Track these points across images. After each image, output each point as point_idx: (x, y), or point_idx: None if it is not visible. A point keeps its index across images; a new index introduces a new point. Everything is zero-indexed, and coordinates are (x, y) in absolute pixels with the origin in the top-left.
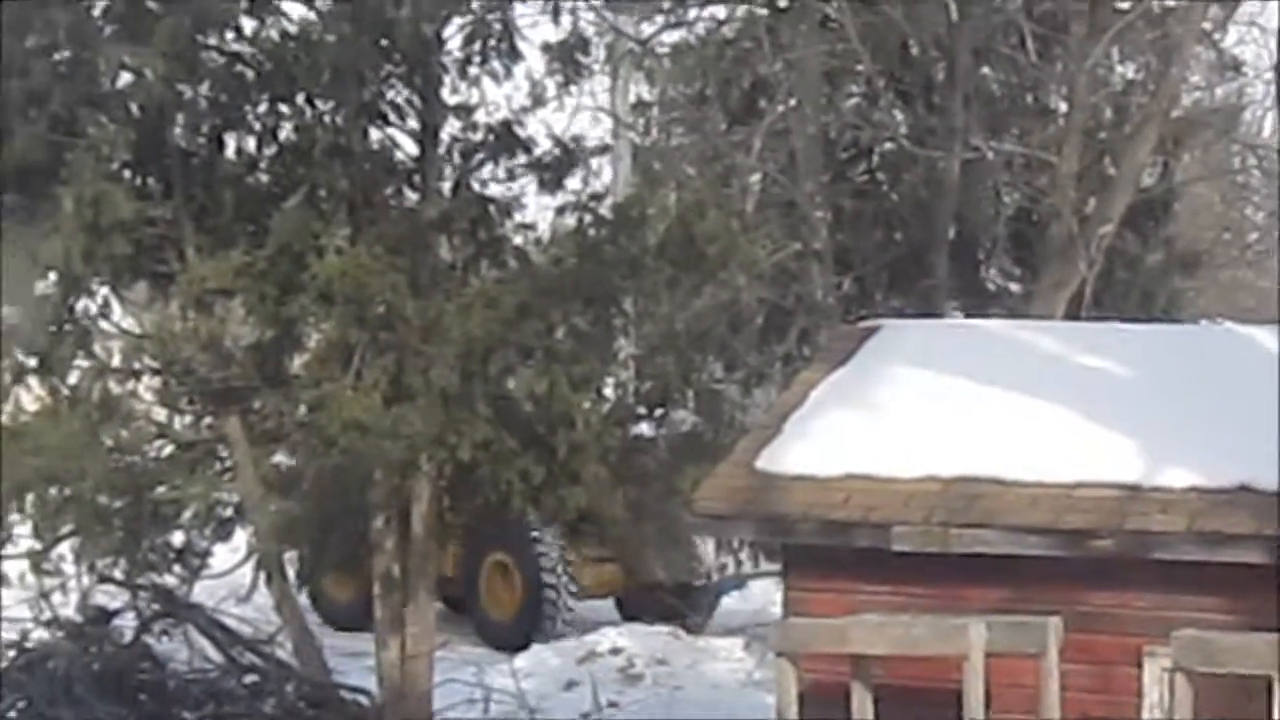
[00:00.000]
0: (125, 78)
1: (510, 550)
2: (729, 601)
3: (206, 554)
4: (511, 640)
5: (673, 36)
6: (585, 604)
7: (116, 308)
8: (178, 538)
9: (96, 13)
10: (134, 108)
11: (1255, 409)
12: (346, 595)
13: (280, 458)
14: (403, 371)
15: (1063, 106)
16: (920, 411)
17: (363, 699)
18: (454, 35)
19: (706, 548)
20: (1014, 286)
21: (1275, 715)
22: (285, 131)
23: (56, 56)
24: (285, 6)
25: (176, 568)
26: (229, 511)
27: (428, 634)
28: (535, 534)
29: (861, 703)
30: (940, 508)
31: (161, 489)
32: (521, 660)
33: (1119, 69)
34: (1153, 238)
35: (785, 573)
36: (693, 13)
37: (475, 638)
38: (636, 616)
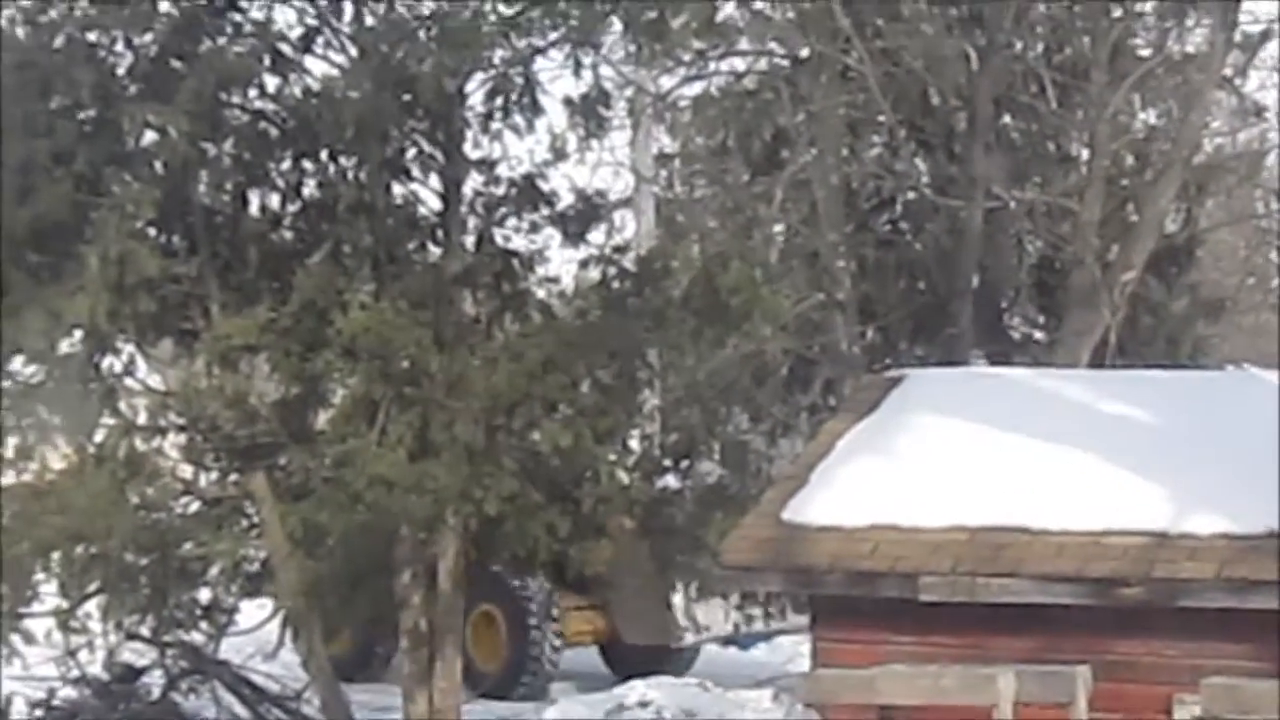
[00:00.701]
0: (149, 136)
1: (495, 600)
2: (757, 653)
3: (233, 610)
4: (499, 689)
5: (693, 89)
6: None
7: (142, 365)
8: (204, 594)
9: (120, 72)
10: (158, 166)
11: None
12: (337, 647)
13: (306, 514)
14: (427, 426)
15: (1084, 154)
16: (946, 461)
17: None
18: (476, 90)
19: (683, 610)
20: (1038, 334)
21: None
22: (309, 188)
23: (81, 115)
24: (308, 63)
25: (203, 624)
26: (255, 567)
27: (454, 688)
28: (519, 583)
29: None
30: (967, 557)
31: (188, 546)
32: (551, 712)
33: (1140, 115)
34: (1176, 284)
35: (813, 624)
36: (712, 65)
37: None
38: (615, 666)
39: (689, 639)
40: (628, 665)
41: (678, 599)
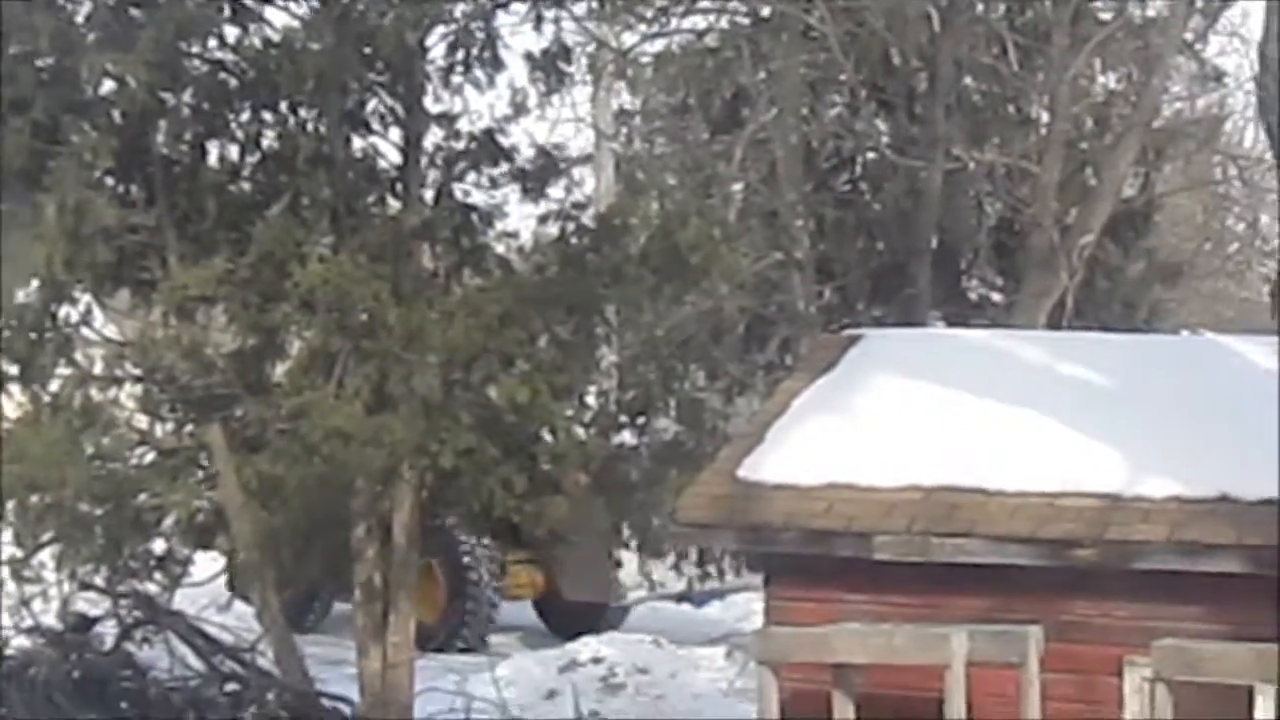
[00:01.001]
0: (108, 85)
1: (435, 553)
2: (710, 611)
3: (188, 562)
4: (436, 642)
5: (655, 46)
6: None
7: (98, 315)
8: (159, 545)
9: (79, 20)
10: (117, 115)
11: (1236, 419)
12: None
13: (262, 465)
14: (385, 379)
15: (1044, 116)
16: (902, 421)
17: (344, 707)
18: (437, 44)
19: (637, 568)
20: (996, 296)
21: None
22: (268, 139)
23: (39, 63)
24: (268, 14)
25: (158, 575)
26: (210, 519)
27: (408, 642)
28: (460, 537)
29: (843, 712)
30: (922, 517)
31: (143, 496)
32: (503, 668)
33: (1100, 79)
34: (1134, 248)
35: (767, 582)
36: (674, 23)
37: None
38: (549, 621)
39: (631, 597)
40: (563, 621)
41: (628, 556)
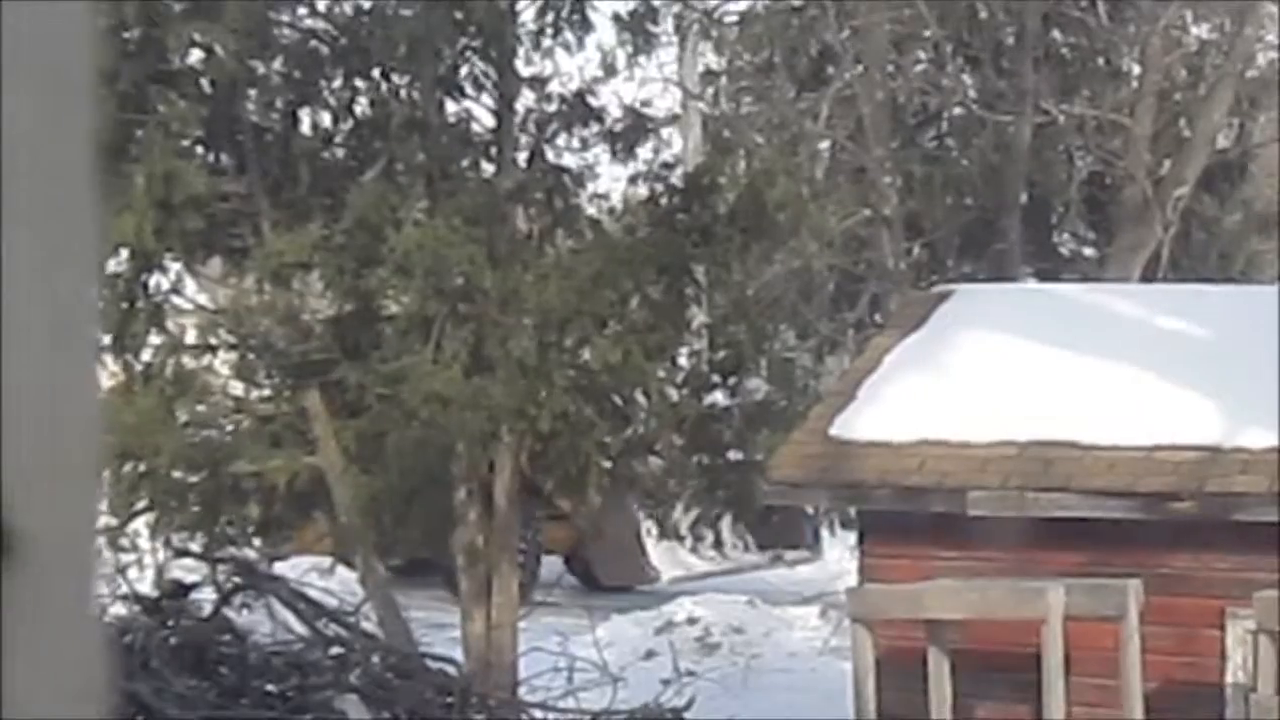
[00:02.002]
0: (195, 54)
1: None
2: (804, 570)
3: (289, 528)
4: None
5: (740, 5)
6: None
7: (190, 284)
8: (258, 512)
9: None
10: (205, 84)
11: None
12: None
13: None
14: (481, 343)
15: (1135, 68)
16: (994, 376)
17: (449, 669)
18: (527, 7)
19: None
20: (1088, 251)
21: None
22: (361, 106)
23: (125, 35)
24: None
25: (257, 541)
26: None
27: (511, 604)
28: None
29: (938, 668)
30: (1016, 472)
31: (240, 463)
32: (602, 630)
33: (1192, 29)
34: (1230, 199)
35: (860, 539)
36: None
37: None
38: (581, 577)
39: (664, 578)
40: (594, 578)
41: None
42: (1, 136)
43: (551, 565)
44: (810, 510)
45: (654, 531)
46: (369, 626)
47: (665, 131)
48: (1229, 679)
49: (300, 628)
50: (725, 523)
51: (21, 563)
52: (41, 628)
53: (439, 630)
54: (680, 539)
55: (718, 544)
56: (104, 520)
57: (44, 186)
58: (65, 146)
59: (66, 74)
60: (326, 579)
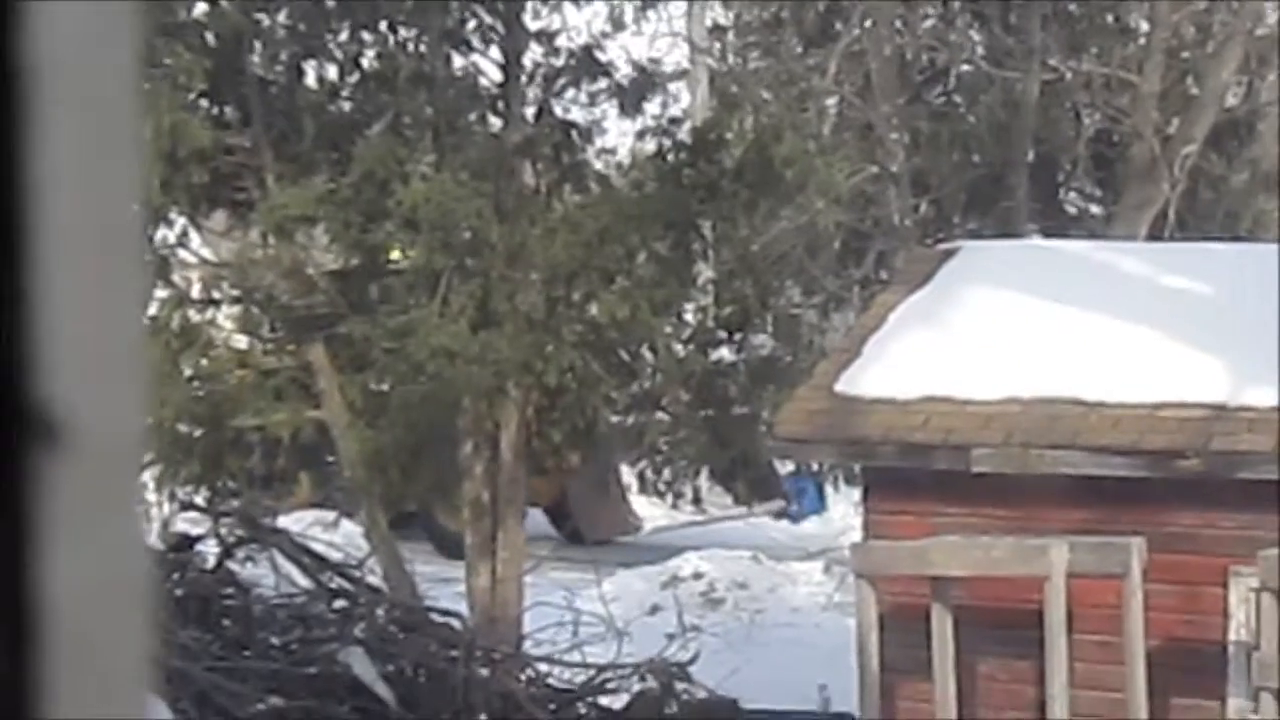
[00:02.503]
0: (200, 7)
1: None
2: (808, 526)
3: (293, 480)
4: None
5: None
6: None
7: (195, 237)
8: (262, 465)
9: None
10: (210, 37)
11: None
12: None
13: (367, 384)
14: (489, 297)
15: (1144, 25)
16: (1000, 333)
17: (454, 623)
18: None
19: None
20: (1094, 208)
21: None
22: (367, 59)
23: None
24: None
25: (261, 494)
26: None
27: (517, 559)
28: None
29: (941, 624)
30: (1020, 429)
31: (244, 416)
32: (608, 585)
33: None
34: (1237, 158)
35: (865, 495)
36: None
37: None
38: (560, 527)
39: (648, 527)
40: (578, 531)
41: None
42: (41, 49)
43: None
44: (815, 466)
45: (633, 486)
46: (373, 580)
47: (672, 86)
48: (1232, 637)
49: (304, 581)
50: (703, 477)
51: (69, 454)
52: (89, 520)
53: (444, 584)
54: (660, 494)
55: (696, 500)
56: None
57: (89, 87)
58: (107, 51)
59: None
60: (330, 533)
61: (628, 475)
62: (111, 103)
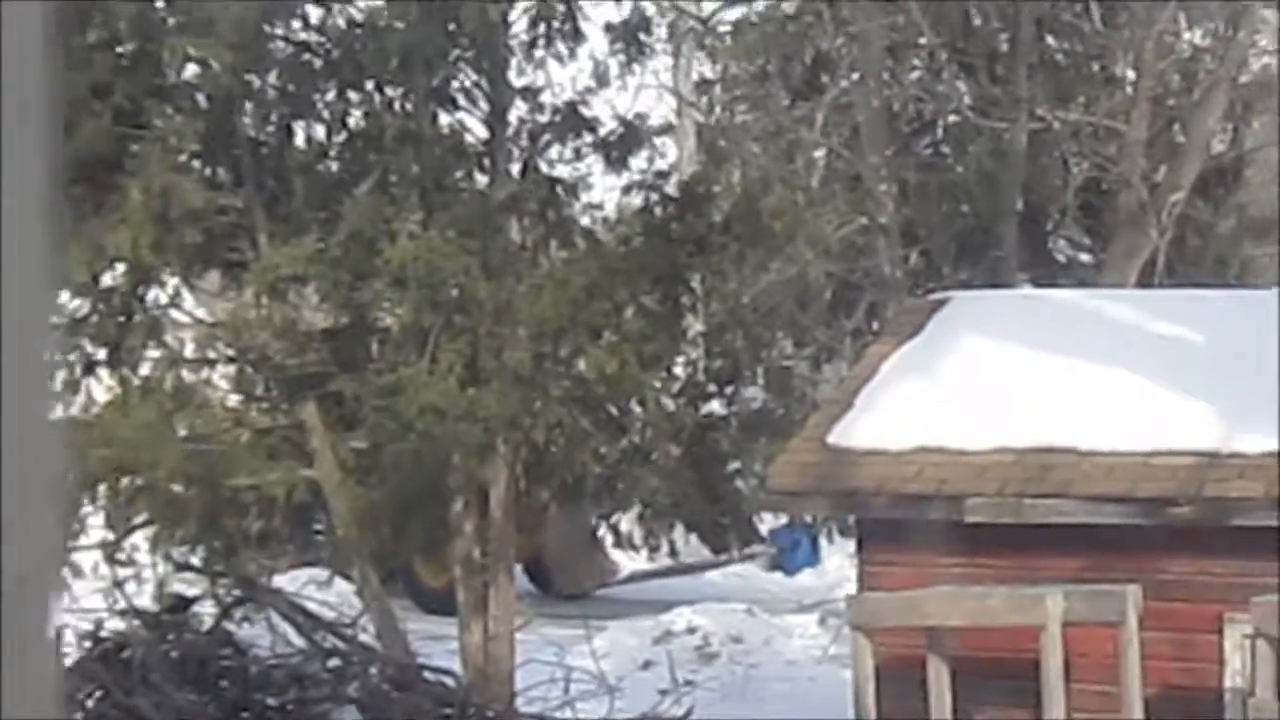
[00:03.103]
0: (191, 69)
1: None
2: (803, 578)
3: (287, 540)
4: (447, 606)
5: (734, 14)
6: (659, 583)
7: (188, 297)
8: (257, 524)
9: (159, 4)
10: (201, 98)
11: None
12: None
13: (358, 442)
14: (477, 354)
15: (1130, 74)
16: (992, 383)
17: (448, 680)
18: (519, 18)
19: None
20: (1084, 257)
21: None
22: (355, 118)
23: (118, 50)
24: None
25: (256, 554)
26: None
27: (509, 615)
28: None
29: (938, 675)
30: (1014, 478)
31: (239, 476)
32: (599, 641)
33: (1186, 34)
34: (1224, 204)
35: (860, 547)
36: None
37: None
38: (540, 584)
39: (626, 573)
40: (553, 585)
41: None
42: None
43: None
44: (809, 518)
45: (609, 540)
46: (367, 638)
47: (659, 141)
48: (1227, 683)
49: (299, 640)
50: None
51: None
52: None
53: (437, 642)
54: (636, 547)
55: (673, 552)
56: (102, 534)
57: None
58: (16, 166)
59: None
60: (324, 591)
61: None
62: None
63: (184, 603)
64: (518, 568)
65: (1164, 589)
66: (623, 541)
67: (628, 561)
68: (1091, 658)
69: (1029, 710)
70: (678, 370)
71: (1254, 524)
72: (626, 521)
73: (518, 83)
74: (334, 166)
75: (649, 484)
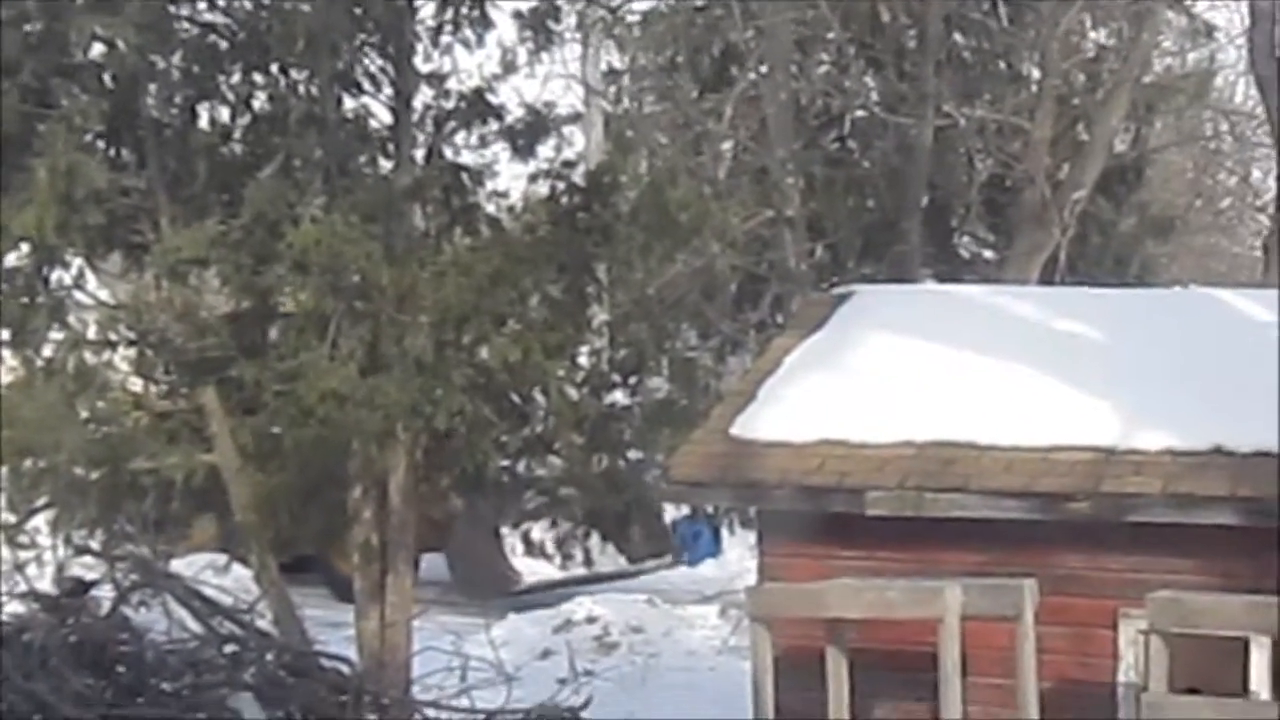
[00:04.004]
0: (97, 49)
1: None
2: (704, 569)
3: (185, 524)
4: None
5: (643, 4)
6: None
7: (91, 278)
8: (157, 508)
9: None
10: (107, 78)
11: (1228, 372)
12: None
13: (258, 427)
14: (378, 341)
15: (1035, 73)
16: (894, 377)
17: (343, 667)
18: (426, 3)
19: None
20: (988, 253)
21: (1250, 676)
22: (259, 101)
23: (27, 28)
24: None
25: (154, 539)
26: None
27: (406, 603)
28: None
29: (837, 667)
30: (915, 472)
31: (139, 460)
32: (498, 629)
33: (1091, 35)
34: (1126, 203)
35: (760, 539)
36: None
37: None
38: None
39: (530, 582)
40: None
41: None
42: None
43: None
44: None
45: (517, 549)
46: (264, 624)
47: (567, 129)
48: (1121, 678)
49: (196, 625)
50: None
51: None
52: None
53: (334, 629)
54: (548, 556)
55: (587, 560)
56: (3, 516)
57: None
58: None
59: None
60: (221, 576)
61: (511, 534)
62: None
63: (83, 586)
64: (439, 556)
65: (1061, 583)
66: (533, 549)
67: (532, 569)
68: (989, 651)
69: (927, 703)
70: (582, 360)
71: (1150, 520)
72: (538, 530)
73: (424, 68)
74: (237, 149)
75: (551, 475)
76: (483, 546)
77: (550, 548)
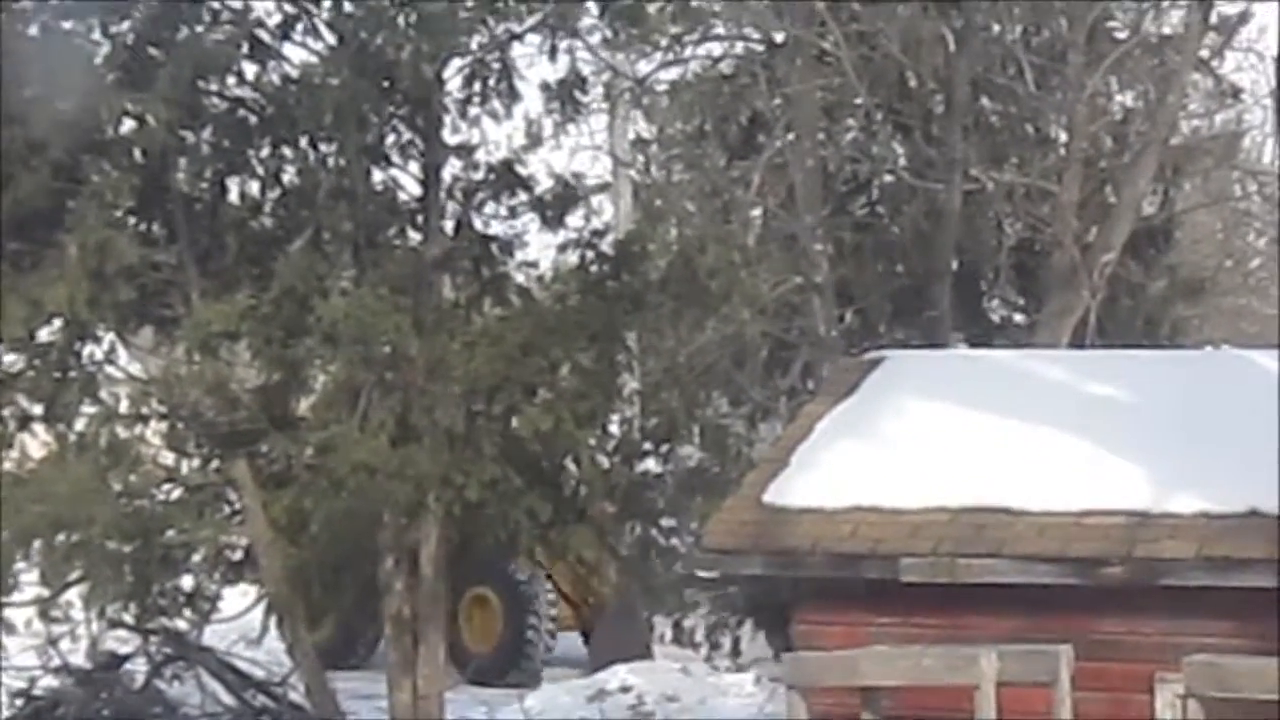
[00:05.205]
0: (128, 124)
1: (490, 583)
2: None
3: (217, 598)
4: (491, 672)
5: (670, 74)
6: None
7: (122, 353)
8: (188, 581)
9: (98, 60)
10: (137, 154)
11: (1261, 434)
12: (321, 633)
13: (289, 500)
14: (408, 412)
15: (1062, 136)
16: (926, 442)
17: None
18: (454, 76)
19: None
20: (1018, 317)
21: None
22: (288, 175)
23: (58, 105)
24: (286, 50)
25: (187, 612)
26: (238, 555)
27: (438, 674)
28: (513, 566)
29: None
30: (948, 538)
31: (171, 533)
32: (532, 699)
33: (1118, 97)
34: (1155, 265)
35: (795, 606)
36: (689, 50)
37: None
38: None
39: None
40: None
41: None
42: None
43: None
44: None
45: (665, 637)
46: (296, 697)
47: (595, 199)
48: None
49: (229, 699)
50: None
51: None
52: None
53: (366, 700)
54: (695, 645)
55: (735, 651)
56: (36, 591)
57: None
58: None
59: None
60: (254, 649)
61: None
62: None
63: (116, 660)
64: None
65: (1096, 648)
66: (682, 637)
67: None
68: (1025, 717)
69: None
70: (613, 428)
71: (1184, 584)
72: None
73: (452, 140)
74: (267, 223)
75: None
76: (622, 616)
77: (699, 636)
